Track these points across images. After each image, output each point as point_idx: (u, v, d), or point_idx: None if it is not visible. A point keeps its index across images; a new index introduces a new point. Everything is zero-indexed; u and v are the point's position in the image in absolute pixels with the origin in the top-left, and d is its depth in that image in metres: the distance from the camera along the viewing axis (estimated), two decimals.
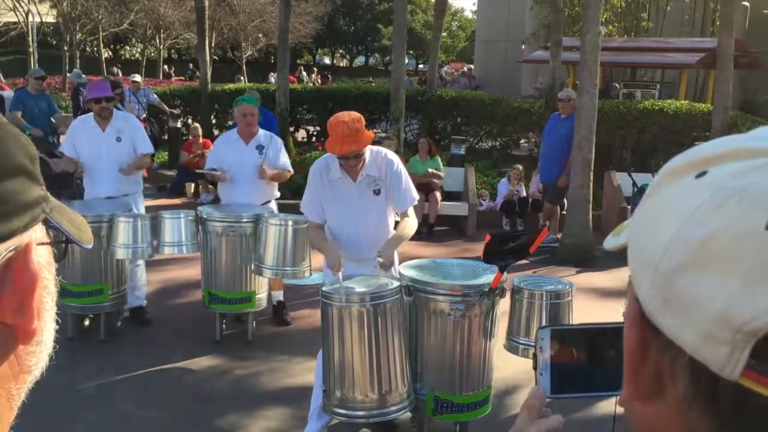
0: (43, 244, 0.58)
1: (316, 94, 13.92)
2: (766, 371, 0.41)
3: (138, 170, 5.56)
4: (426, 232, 8.32)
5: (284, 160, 5.40)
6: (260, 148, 5.30)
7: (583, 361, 0.89)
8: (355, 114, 3.64)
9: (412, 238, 3.99)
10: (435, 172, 8.70)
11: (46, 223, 0.58)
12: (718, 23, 12.57)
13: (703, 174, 0.47)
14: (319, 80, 27.42)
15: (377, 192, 3.74)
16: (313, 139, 13.65)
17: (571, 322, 3.61)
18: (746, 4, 17.69)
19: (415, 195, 3.88)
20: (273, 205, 5.46)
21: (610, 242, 0.55)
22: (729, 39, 9.49)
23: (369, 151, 3.72)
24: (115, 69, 23.02)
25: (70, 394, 4.24)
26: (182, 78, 27.07)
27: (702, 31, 19.59)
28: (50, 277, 0.59)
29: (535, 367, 0.92)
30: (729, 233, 0.42)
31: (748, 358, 0.41)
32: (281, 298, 5.62)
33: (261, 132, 5.41)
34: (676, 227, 0.45)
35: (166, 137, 12.10)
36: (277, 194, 5.52)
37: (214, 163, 5.37)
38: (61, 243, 0.61)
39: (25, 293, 0.55)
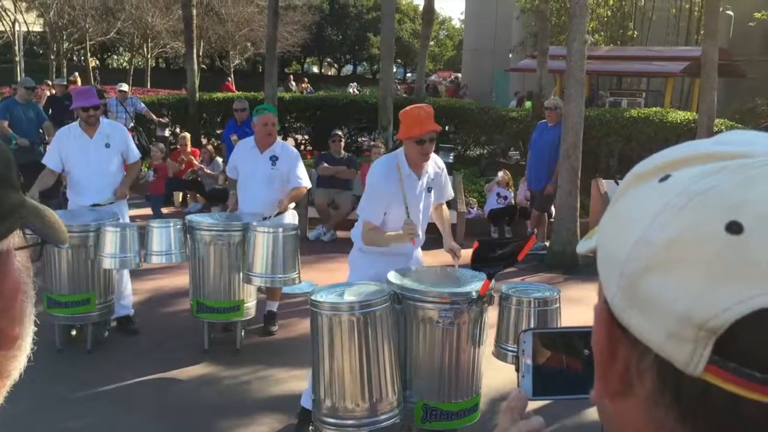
0: (21, 248, 0.57)
1: (304, 102, 13.93)
2: (728, 366, 0.42)
3: (130, 182, 5.55)
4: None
5: (299, 173, 5.28)
6: (274, 159, 5.27)
7: (565, 364, 0.91)
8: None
9: None
10: None
11: (23, 226, 0.58)
12: (702, 32, 12.70)
13: (666, 178, 0.48)
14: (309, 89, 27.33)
15: (429, 190, 4.03)
16: (302, 147, 13.65)
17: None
18: (730, 13, 17.92)
19: (452, 191, 4.36)
20: (290, 215, 5.36)
21: (582, 246, 0.57)
22: (713, 48, 9.59)
23: None
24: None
25: (57, 405, 4.21)
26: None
27: (687, 40, 19.79)
28: (29, 281, 0.58)
29: (517, 370, 0.94)
30: (691, 235, 0.44)
31: (710, 354, 0.43)
32: (273, 308, 5.58)
33: (279, 143, 5.40)
34: (641, 230, 0.47)
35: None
36: (293, 204, 5.42)
37: (231, 169, 5.53)
38: (37, 245, 0.60)
39: (8, 299, 0.54)
